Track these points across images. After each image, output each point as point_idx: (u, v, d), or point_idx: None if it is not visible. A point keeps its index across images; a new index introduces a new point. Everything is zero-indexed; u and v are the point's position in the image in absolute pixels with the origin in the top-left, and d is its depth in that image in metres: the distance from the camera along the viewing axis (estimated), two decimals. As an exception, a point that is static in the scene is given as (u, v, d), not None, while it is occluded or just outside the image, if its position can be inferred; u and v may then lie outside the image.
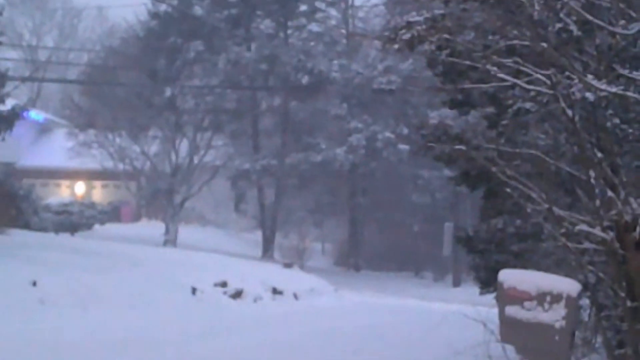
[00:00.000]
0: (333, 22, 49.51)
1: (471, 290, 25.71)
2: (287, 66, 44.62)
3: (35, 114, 49.04)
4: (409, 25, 8.85)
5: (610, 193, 7.58)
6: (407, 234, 48.71)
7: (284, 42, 46.36)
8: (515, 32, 7.99)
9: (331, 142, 45.86)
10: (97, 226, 42.60)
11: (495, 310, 8.37)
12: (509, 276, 7.46)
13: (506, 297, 7.34)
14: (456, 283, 43.35)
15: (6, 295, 15.62)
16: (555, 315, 7.14)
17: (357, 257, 48.18)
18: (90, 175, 53.01)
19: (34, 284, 16.74)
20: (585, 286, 7.97)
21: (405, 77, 43.28)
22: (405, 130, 43.13)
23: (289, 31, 47.53)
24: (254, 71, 44.59)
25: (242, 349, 14.14)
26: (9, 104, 25.93)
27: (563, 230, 7.78)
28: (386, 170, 46.18)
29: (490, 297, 13.27)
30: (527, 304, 7.22)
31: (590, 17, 7.79)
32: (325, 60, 45.56)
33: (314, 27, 46.90)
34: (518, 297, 7.24)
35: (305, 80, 44.72)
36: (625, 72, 7.99)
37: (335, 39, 48.52)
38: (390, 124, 45.05)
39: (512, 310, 7.28)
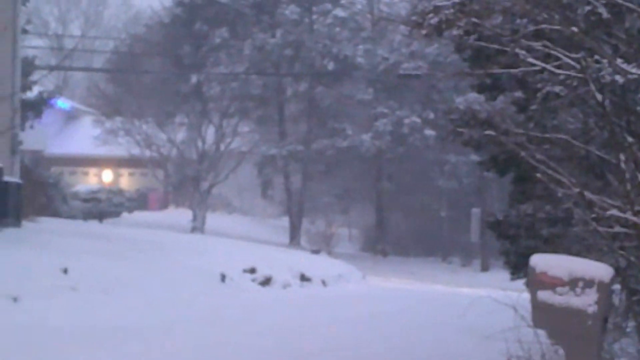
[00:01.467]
0: (358, 7, 49.38)
1: (499, 275, 25.72)
2: (312, 52, 44.64)
3: (62, 102, 49.29)
4: (437, 9, 8.80)
5: (641, 177, 7.54)
6: (434, 220, 48.66)
7: (309, 28, 46.34)
8: (543, 15, 7.92)
9: (357, 127, 45.86)
10: (125, 213, 42.83)
11: (525, 295, 8.35)
12: (540, 261, 7.42)
13: (538, 282, 7.31)
14: (484, 268, 43.27)
15: (38, 283, 15.74)
16: (587, 300, 7.10)
17: (384, 243, 48.18)
18: (117, 163, 53.29)
19: (65, 271, 16.85)
20: (617, 271, 7.92)
21: (431, 62, 43.20)
22: (432, 115, 43.04)
23: (314, 17, 47.50)
24: (280, 57, 44.65)
25: (271, 334, 14.17)
26: (36, 91, 26.13)
27: (594, 215, 7.74)
28: (412, 156, 46.12)
29: (519, 282, 13.24)
30: (559, 289, 7.18)
31: (619, 0, 7.73)
32: (350, 45, 45.53)
33: (339, 12, 46.86)
34: (550, 282, 7.21)
35: (330, 65, 44.76)
36: (656, 55, 7.93)
37: (360, 24, 48.45)
38: (416, 109, 44.96)
39: (544, 295, 7.25)
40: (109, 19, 72.07)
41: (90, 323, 13.68)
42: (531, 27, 8.30)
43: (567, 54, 7.76)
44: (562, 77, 8.18)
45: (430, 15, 8.81)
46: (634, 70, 7.49)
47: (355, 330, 15.31)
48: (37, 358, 10.85)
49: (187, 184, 45.58)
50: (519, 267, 12.70)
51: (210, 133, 44.16)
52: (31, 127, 25.25)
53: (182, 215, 46.38)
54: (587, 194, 7.72)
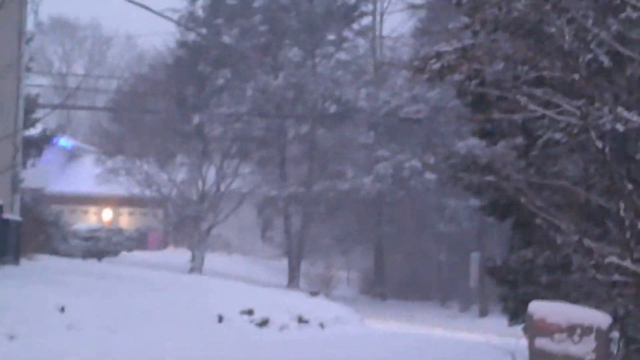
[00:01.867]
0: (361, 51, 49.62)
1: (498, 320, 25.55)
2: (314, 94, 44.80)
3: (64, 141, 49.42)
4: (439, 55, 8.87)
5: (640, 225, 7.54)
6: (433, 264, 48.52)
7: (311, 71, 46.55)
8: (545, 62, 7.98)
9: (358, 170, 45.90)
10: (124, 252, 42.72)
11: (523, 341, 8.31)
12: (539, 308, 7.40)
13: (536, 329, 7.29)
14: (483, 313, 43.05)
15: (35, 321, 15.68)
16: (585, 348, 7.08)
17: (382, 286, 48.02)
18: (117, 202, 53.27)
19: (62, 309, 16.79)
20: (615, 319, 7.90)
21: (433, 106, 43.31)
22: (432, 159, 43.05)
23: (317, 59, 47.74)
24: (282, 99, 44.80)
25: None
26: (39, 129, 26.20)
27: (593, 262, 7.74)
28: (413, 199, 46.09)
29: (517, 328, 13.18)
30: (557, 336, 7.16)
31: (620, 49, 7.78)
32: (352, 88, 45.70)
33: (342, 55, 47.13)
34: (548, 329, 7.19)
35: (332, 108, 44.92)
36: (656, 103, 7.96)
37: (362, 68, 48.68)
38: (417, 152, 44.98)
39: (542, 342, 7.23)
40: (112, 59, 72.44)
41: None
42: (532, 74, 8.36)
43: (568, 101, 7.80)
44: (562, 124, 8.22)
45: (433, 60, 8.88)
46: (634, 119, 7.53)
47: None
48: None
49: (186, 224, 45.52)
50: (517, 313, 12.64)
51: (211, 173, 44.17)
52: (33, 165, 25.29)
53: (181, 255, 46.26)
54: (587, 241, 7.73)
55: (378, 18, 50.50)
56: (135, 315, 18.33)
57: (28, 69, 26.72)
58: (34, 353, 13.70)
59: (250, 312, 22.16)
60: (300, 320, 23.85)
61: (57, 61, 69.94)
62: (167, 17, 39.41)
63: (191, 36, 45.05)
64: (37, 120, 26.63)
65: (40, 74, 55.48)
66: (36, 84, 44.71)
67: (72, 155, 58.01)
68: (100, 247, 38.89)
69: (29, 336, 14.77)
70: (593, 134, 7.52)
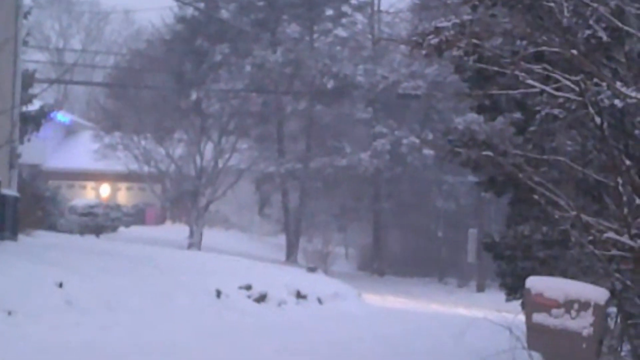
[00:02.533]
0: (359, 26, 49.50)
1: (495, 296, 25.61)
2: (312, 70, 44.70)
3: (61, 116, 49.32)
4: (437, 30, 8.83)
5: (638, 200, 7.54)
6: (431, 240, 48.63)
7: (309, 46, 46.44)
8: (544, 38, 7.95)
9: (356, 146, 45.87)
10: (122, 228, 42.75)
11: (521, 317, 8.34)
12: (536, 283, 7.43)
13: (533, 304, 7.32)
14: (480, 289, 43.18)
15: (33, 297, 15.71)
16: (582, 323, 7.11)
17: (380, 262, 48.13)
18: (115, 178, 53.27)
19: (60, 285, 16.82)
20: (612, 294, 7.92)
21: (431, 82, 43.27)
22: (430, 136, 43.05)
23: (315, 35, 47.62)
24: (280, 75, 44.69)
25: (263, 353, 14.15)
26: (37, 104, 26.13)
27: (590, 238, 7.75)
28: (411, 176, 46.14)
29: (515, 304, 13.22)
30: (554, 311, 7.19)
31: (619, 24, 7.77)
32: (350, 64, 45.60)
33: (340, 31, 47.03)
34: (545, 304, 7.21)
35: (330, 84, 44.84)
36: (655, 79, 7.95)
37: (360, 44, 48.56)
38: (415, 129, 45.00)
39: (539, 317, 7.26)
40: (110, 34, 72.21)
41: (84, 338, 13.66)
42: (531, 50, 8.33)
43: (567, 76, 7.79)
44: (561, 99, 8.21)
45: (431, 36, 8.85)
46: (633, 94, 7.51)
47: (351, 351, 15.29)
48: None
49: (184, 200, 45.55)
50: (514, 288, 12.70)
51: (208, 149, 44.15)
52: (29, 140, 25.24)
53: (179, 230, 46.33)
54: (584, 216, 7.74)
55: (376, -7, 50.36)
56: (133, 291, 18.37)
57: (25, 44, 26.62)
58: (33, 328, 13.74)
59: (248, 288, 22.21)
60: (298, 295, 23.92)
61: (55, 36, 69.71)
62: (164, -7, 39.38)
63: (189, 11, 44.88)
64: (34, 96, 26.55)
65: (38, 50, 55.36)
66: (33, 59, 44.65)
67: (70, 131, 57.93)
68: (98, 222, 38.86)
69: (27, 312, 14.81)
70: (591, 110, 7.51)
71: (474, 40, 8.57)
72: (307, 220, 48.51)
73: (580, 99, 7.61)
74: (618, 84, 7.64)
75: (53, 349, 12.38)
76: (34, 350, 12.10)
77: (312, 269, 32.40)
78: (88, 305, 16.54)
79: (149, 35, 50.95)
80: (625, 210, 7.49)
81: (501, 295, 15.10)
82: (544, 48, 8.10)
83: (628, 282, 7.95)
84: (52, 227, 30.11)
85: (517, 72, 8.07)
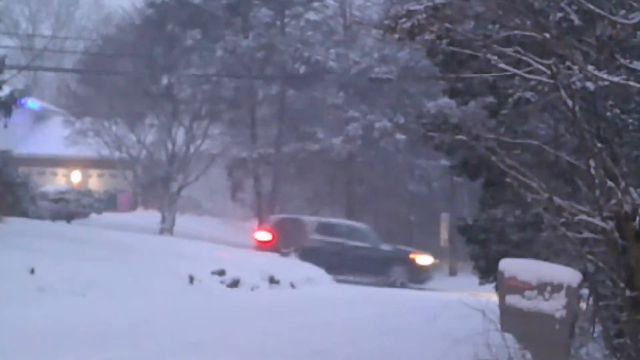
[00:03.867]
0: (330, 10, 49.33)
1: (468, 279, 25.77)
2: (284, 55, 44.57)
3: (31, 102, 48.92)
4: (410, 13, 8.81)
5: (610, 183, 7.58)
6: (404, 224, 48.70)
7: (281, 31, 46.28)
8: (516, 21, 7.96)
9: (328, 131, 45.80)
10: (93, 214, 42.52)
11: (494, 300, 8.38)
12: (509, 265, 7.46)
13: (507, 287, 7.35)
14: (452, 272, 43.38)
15: (4, 283, 15.63)
16: (555, 305, 7.15)
17: (353, 246, 48.14)
18: (86, 164, 52.94)
19: (32, 271, 16.75)
20: (585, 276, 7.97)
21: (403, 66, 43.28)
22: (402, 120, 43.07)
23: (286, 20, 47.41)
24: (251, 60, 44.52)
25: (237, 337, 14.15)
26: (6, 90, 25.87)
27: (563, 220, 7.78)
28: (383, 160, 46.14)
29: (487, 287, 13.29)
30: (527, 293, 7.23)
31: (591, 7, 7.78)
32: (322, 49, 45.49)
33: (312, 15, 46.84)
34: (519, 287, 7.25)
35: (302, 69, 44.70)
36: (626, 62, 7.98)
37: (332, 28, 48.44)
38: (388, 113, 44.97)
39: (512, 300, 7.30)
40: (80, 20, 71.63)
41: (57, 324, 13.60)
42: (503, 33, 8.34)
43: (539, 60, 7.80)
44: (533, 83, 8.23)
45: (403, 19, 8.82)
46: (604, 77, 7.54)
47: (326, 334, 15.31)
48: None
49: (156, 186, 45.36)
50: (488, 271, 12.75)
51: (180, 135, 43.96)
52: (5, 126, 25.07)
53: (151, 216, 46.13)
54: (557, 199, 7.77)
55: (348, -23, 50.23)
56: (105, 277, 18.32)
57: (-6, 30, 26.36)
58: (5, 315, 13.66)
59: (221, 273, 22.23)
60: (272, 280, 23.97)
61: (24, 22, 69.12)
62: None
63: (160, -4, 44.59)
64: (4, 82, 26.30)
65: (7, 35, 54.84)
66: (2, 45, 44.25)
67: (40, 117, 57.48)
68: (70, 209, 38.62)
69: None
70: (563, 93, 7.53)
71: (447, 24, 8.57)
72: (280, 205, 48.45)
73: (552, 82, 7.63)
74: (590, 67, 7.67)
75: (24, 336, 12.31)
76: (4, 336, 12.03)
77: (285, 254, 32.41)
78: (60, 291, 16.49)
79: (120, 20, 50.63)
80: (597, 193, 7.53)
81: (473, 279, 15.18)
82: (516, 31, 8.12)
83: (600, 264, 8.00)
84: (24, 214, 29.91)
85: (489, 56, 8.07)
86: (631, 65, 7.88)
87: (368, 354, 13.43)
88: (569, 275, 7.41)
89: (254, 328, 15.43)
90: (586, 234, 7.94)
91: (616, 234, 7.59)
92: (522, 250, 10.64)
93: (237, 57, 43.99)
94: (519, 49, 8.01)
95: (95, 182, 55.54)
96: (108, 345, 12.35)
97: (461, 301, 9.40)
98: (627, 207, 7.51)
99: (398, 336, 15.55)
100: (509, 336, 7.93)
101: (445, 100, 15.49)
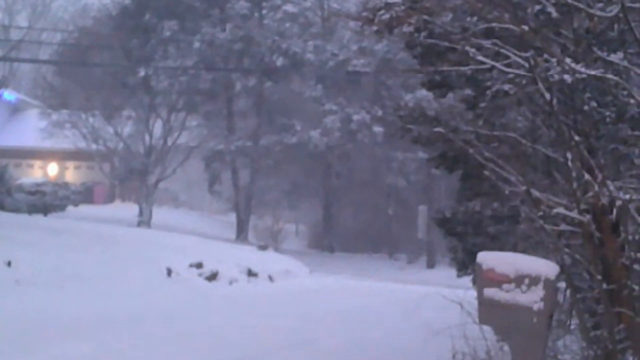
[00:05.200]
0: (308, 2, 49.28)
1: (445, 272, 25.83)
2: (261, 47, 44.50)
3: (7, 94, 48.68)
4: (388, 6, 8.79)
5: (587, 176, 7.59)
6: (382, 216, 48.80)
7: (258, 23, 46.22)
8: (494, 13, 7.96)
9: (306, 124, 45.80)
10: (70, 207, 42.37)
11: (472, 292, 8.39)
12: (487, 258, 7.45)
13: (484, 279, 7.34)
14: (430, 265, 43.50)
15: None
16: (533, 297, 7.15)
17: (331, 239, 48.26)
18: (63, 156, 52.75)
19: (9, 264, 16.65)
20: (562, 268, 7.99)
21: (380, 59, 43.29)
22: (380, 112, 43.12)
23: (264, 12, 47.39)
24: (229, 52, 44.46)
25: (215, 329, 14.14)
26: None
27: (540, 213, 7.79)
28: (361, 152, 46.21)
29: (465, 280, 13.31)
30: (505, 286, 7.22)
31: (568, 0, 7.78)
32: (300, 41, 45.45)
33: (289, 7, 46.79)
34: (496, 279, 7.24)
35: (280, 61, 44.63)
36: (604, 54, 7.99)
37: (310, 20, 48.39)
38: (365, 106, 45.01)
39: (490, 292, 7.28)
40: (56, 11, 70.86)
41: (32, 316, 13.55)
42: (481, 25, 8.33)
43: (517, 52, 7.80)
44: (511, 75, 8.22)
45: (382, 11, 8.81)
46: (582, 70, 7.55)
47: (306, 327, 15.31)
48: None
49: (133, 178, 45.25)
50: (465, 264, 12.77)
51: (157, 127, 43.86)
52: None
53: (128, 209, 46.04)
54: (534, 191, 7.78)
55: (325, -31, 50.16)
56: (83, 269, 18.25)
57: (-30, 21, 26.19)
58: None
59: (199, 266, 22.18)
60: (250, 273, 23.94)
61: (0, 13, 68.59)
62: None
63: (137, -14, 44.38)
64: (-20, 74, 26.19)
65: (-18, 26, 54.41)
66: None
67: (16, 109, 57.23)
68: (46, 201, 38.49)
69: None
70: (541, 85, 7.53)
71: (425, 16, 8.56)
72: (258, 197, 48.43)
73: (530, 74, 7.63)
74: (567, 59, 7.66)
75: (2, 328, 12.26)
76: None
77: (262, 247, 32.40)
78: (37, 283, 16.41)
79: (96, 12, 50.36)
80: (575, 185, 7.54)
81: (451, 272, 15.21)
82: (494, 24, 8.11)
83: (577, 257, 8.01)
84: (0, 206, 29.77)
85: (467, 48, 8.06)
86: (608, 58, 7.88)
87: (349, 345, 13.44)
88: (546, 267, 7.41)
89: (231, 321, 15.41)
90: (563, 227, 7.95)
91: (593, 227, 7.61)
92: (500, 242, 10.65)
93: (214, 49, 43.90)
94: (497, 41, 8.01)
95: (72, 174, 55.34)
96: (89, 335, 12.31)
97: (439, 294, 9.41)
98: (604, 200, 7.53)
99: (377, 328, 15.57)
100: (487, 328, 7.94)
101: (423, 93, 15.50)
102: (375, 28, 9.12)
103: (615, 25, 8.26)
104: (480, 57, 8.14)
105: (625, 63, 7.72)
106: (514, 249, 9.20)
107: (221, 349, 12.29)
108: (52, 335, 12.02)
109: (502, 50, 7.96)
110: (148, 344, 12.13)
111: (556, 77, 7.69)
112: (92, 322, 13.60)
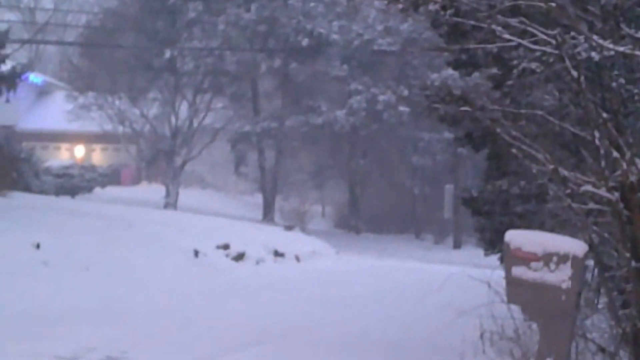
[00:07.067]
0: (332, -17, 49.12)
1: (472, 252, 25.84)
2: (286, 28, 44.44)
3: (34, 77, 48.86)
4: (414, -16, 8.75)
5: (615, 154, 7.53)
6: (408, 196, 48.75)
7: (283, 3, 46.07)
8: (520, -9, 7.90)
9: (331, 104, 45.75)
10: (97, 189, 42.60)
11: (499, 272, 8.37)
12: (515, 237, 7.42)
13: (512, 258, 7.31)
14: (457, 245, 43.45)
15: (11, 258, 15.65)
16: (561, 276, 7.11)
17: (357, 220, 48.24)
18: (90, 138, 52.97)
19: (38, 246, 16.76)
20: (590, 247, 7.94)
21: (406, 38, 43.12)
22: (406, 92, 42.98)
23: (289, -8, 47.26)
24: (254, 33, 44.41)
25: (243, 311, 14.18)
26: (9, 65, 25.82)
27: (568, 191, 7.74)
28: (386, 133, 46.09)
29: (492, 259, 13.29)
30: (533, 264, 7.19)
31: (596, -24, 7.72)
32: (325, 21, 45.33)
33: (314, -13, 46.63)
34: (524, 258, 7.21)
35: (305, 42, 44.54)
36: (631, 31, 7.92)
37: (335, 0, 48.22)
38: (391, 85, 44.87)
39: (518, 271, 7.25)
40: (81, -7, 71.29)
41: (62, 299, 13.64)
42: (508, 3, 8.26)
43: (544, 30, 7.74)
44: (538, 53, 8.16)
45: (407, -10, 8.76)
46: (609, 47, 7.48)
47: (330, 308, 15.34)
48: (9, 334, 10.79)
49: (160, 160, 45.40)
50: (493, 243, 12.74)
51: (183, 109, 43.95)
52: (7, 100, 25.03)
53: (154, 191, 46.22)
54: (562, 170, 7.73)
55: (350, -52, 49.93)
56: (111, 251, 18.35)
57: (-4, 5, 26.28)
58: (11, 289, 13.70)
59: (226, 247, 22.25)
60: (276, 254, 24.00)
61: (25, -4, 68.80)
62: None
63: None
64: (6, 56, 26.23)
65: (9, 9, 54.69)
66: (4, 19, 44.11)
67: (42, 92, 57.45)
68: (73, 183, 38.70)
69: (5, 272, 14.76)
70: (568, 63, 7.46)
71: (451, -6, 8.50)
72: (284, 178, 48.50)
73: (557, 52, 7.56)
74: (595, 36, 7.60)
75: (33, 310, 12.35)
76: (10, 311, 12.07)
77: (289, 228, 32.45)
78: (65, 265, 16.52)
79: (122, -7, 50.39)
80: (603, 164, 7.49)
81: (478, 251, 15.21)
82: (520, 1, 8.05)
83: (605, 235, 7.97)
84: (27, 189, 29.97)
85: (493, 26, 8.00)
86: (636, 35, 7.81)
87: (376, 326, 13.46)
88: (574, 246, 7.37)
89: (259, 302, 15.45)
90: (591, 205, 7.90)
91: (621, 205, 7.55)
92: (527, 221, 10.60)
93: (239, 30, 43.88)
94: (524, 19, 7.94)
95: (99, 156, 55.57)
96: (119, 319, 12.38)
97: (465, 273, 9.39)
98: (632, 178, 7.46)
99: (404, 307, 15.58)
100: (514, 308, 7.92)
101: (449, 72, 15.45)
102: (400, 7, 9.08)
103: (644, 2, 8.19)
104: (506, 35, 8.08)
105: (653, 39, 7.65)
106: (542, 227, 9.15)
107: (242, 329, 12.34)
108: (79, 318, 12.10)
109: (529, 28, 7.89)
110: (176, 326, 12.19)
111: (583, 54, 7.63)
112: (120, 305, 13.67)
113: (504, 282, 7.62)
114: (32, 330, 11.12)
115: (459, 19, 9.00)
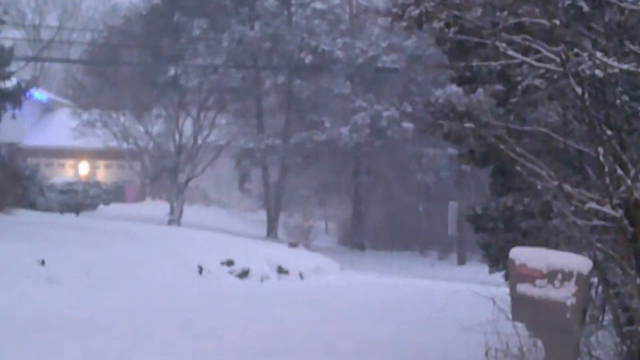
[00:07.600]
0: (336, 0, 49.29)
1: (476, 268, 25.75)
2: (290, 45, 44.57)
3: (38, 94, 49.00)
4: (418, 1, 8.80)
5: (619, 170, 7.55)
6: (412, 213, 48.70)
7: (287, 21, 46.26)
8: (524, 8, 7.94)
9: (335, 121, 45.82)
10: (101, 206, 42.65)
11: (504, 289, 8.37)
12: (520, 254, 7.44)
13: (517, 275, 7.33)
14: (461, 261, 43.40)
15: (16, 275, 15.66)
16: (566, 293, 7.13)
17: (361, 236, 48.21)
18: (94, 155, 53.08)
19: (42, 262, 16.77)
20: (594, 264, 7.95)
21: (409, 55, 43.21)
22: (410, 109, 43.04)
23: (293, 9, 47.42)
24: (258, 50, 44.55)
25: (248, 328, 14.16)
26: (13, 81, 25.94)
27: (572, 208, 7.76)
28: (390, 149, 46.12)
29: (496, 276, 13.27)
30: (538, 281, 7.20)
31: (599, -6, 7.75)
32: (328, 38, 45.48)
33: (318, 4, 46.80)
34: (529, 275, 7.23)
35: (308, 59, 44.68)
36: (635, 48, 7.95)
37: (339, 17, 48.39)
38: (394, 102, 44.94)
39: (523, 288, 7.27)
40: (86, 10, 71.58)
41: (67, 315, 13.64)
42: (511, 20, 8.30)
43: (547, 47, 7.77)
44: (542, 70, 8.19)
45: (411, 7, 8.81)
46: (613, 64, 7.51)
47: (336, 324, 15.31)
48: (10, 348, 10.80)
49: (164, 177, 45.45)
50: (497, 260, 12.72)
51: (187, 125, 44.04)
52: (13, 117, 25.14)
53: (159, 207, 46.26)
54: (566, 187, 7.74)
55: (354, -35, 50.10)
56: (114, 267, 18.35)
57: (1, 22, 26.42)
58: (16, 305, 13.70)
59: (230, 263, 22.24)
60: (280, 270, 23.97)
61: (30, 13, 69.10)
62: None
63: (166, -15, 44.56)
64: (11, 73, 26.33)
65: (13, 27, 54.88)
66: (9, 36, 44.25)
67: (47, 109, 57.60)
68: (78, 200, 38.76)
69: (10, 289, 14.78)
70: (572, 80, 7.49)
71: (455, 12, 8.54)
72: (288, 195, 48.52)
73: (561, 69, 7.59)
74: (599, 54, 7.62)
75: (36, 325, 12.35)
76: (15, 326, 12.07)
77: (293, 244, 32.43)
78: (70, 281, 16.53)
79: (126, 11, 50.62)
80: (607, 180, 7.50)
81: (482, 268, 15.16)
82: (524, 19, 8.08)
83: (610, 252, 7.97)
84: (32, 206, 30.00)
85: (497, 44, 8.03)
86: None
87: (380, 342, 13.44)
88: (579, 263, 7.38)
89: (264, 319, 15.44)
90: (596, 222, 7.91)
91: (626, 222, 7.57)
92: (532, 238, 10.59)
93: (243, 47, 44.02)
94: (528, 36, 7.98)
95: (103, 173, 55.66)
96: (122, 333, 12.38)
97: (470, 290, 9.39)
98: (636, 195, 7.48)
99: (408, 324, 15.55)
100: (519, 325, 7.92)
101: (453, 89, 15.46)
102: (404, 24, 9.13)
103: (647, 19, 8.22)
104: (510, 52, 8.11)
105: (657, 57, 7.68)
106: (546, 244, 9.15)
107: (248, 343, 12.34)
108: (84, 333, 12.11)
109: (533, 45, 7.93)
110: (179, 341, 12.19)
111: (587, 71, 7.65)
112: (124, 320, 13.68)
113: (508, 299, 7.63)
114: (37, 341, 11.12)
115: (463, 37, 9.05)
